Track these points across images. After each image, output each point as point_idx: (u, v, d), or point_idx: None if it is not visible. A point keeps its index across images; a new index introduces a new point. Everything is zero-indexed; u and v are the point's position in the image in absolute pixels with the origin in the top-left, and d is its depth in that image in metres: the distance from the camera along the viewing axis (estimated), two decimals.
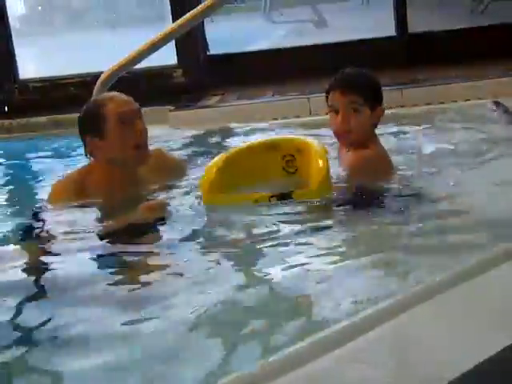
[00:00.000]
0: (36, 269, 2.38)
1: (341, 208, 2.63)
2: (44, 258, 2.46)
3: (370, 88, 2.80)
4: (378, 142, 2.85)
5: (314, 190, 2.65)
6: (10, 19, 5.19)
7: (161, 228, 2.61)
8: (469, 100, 4.07)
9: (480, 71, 4.47)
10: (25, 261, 2.43)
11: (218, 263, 2.28)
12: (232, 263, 2.30)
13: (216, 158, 2.83)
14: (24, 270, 2.36)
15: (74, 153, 3.97)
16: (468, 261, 1.97)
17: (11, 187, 3.53)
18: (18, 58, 5.19)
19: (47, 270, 2.38)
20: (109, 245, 2.51)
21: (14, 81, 5.12)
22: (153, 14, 6.42)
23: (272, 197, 2.65)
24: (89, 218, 2.73)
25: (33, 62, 6.01)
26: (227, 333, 1.83)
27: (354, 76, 2.83)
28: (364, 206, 2.62)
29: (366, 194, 2.69)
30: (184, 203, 2.78)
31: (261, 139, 3.09)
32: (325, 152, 2.71)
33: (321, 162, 2.66)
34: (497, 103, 3.81)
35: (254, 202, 2.66)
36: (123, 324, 1.92)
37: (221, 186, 2.73)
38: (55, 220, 2.74)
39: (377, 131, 2.90)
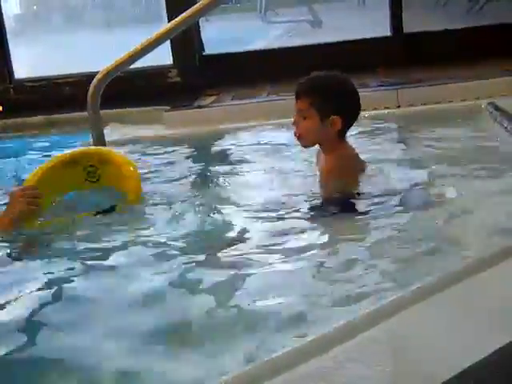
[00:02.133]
0: None
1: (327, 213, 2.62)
2: None
3: (321, 95, 2.71)
4: (340, 150, 2.77)
5: (133, 199, 2.81)
6: (5, 18, 5.18)
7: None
8: (465, 100, 4.08)
9: (476, 71, 4.48)
10: None
11: (213, 264, 2.28)
12: (226, 265, 2.29)
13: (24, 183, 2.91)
14: None
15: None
16: (465, 260, 1.97)
17: (6, 187, 3.51)
18: (13, 58, 5.18)
19: None
20: None
21: (10, 80, 5.11)
22: (148, 13, 6.42)
23: (97, 213, 2.74)
24: None
25: (28, 62, 6.00)
26: (225, 332, 1.82)
27: (309, 82, 2.77)
28: (351, 209, 2.62)
29: (349, 196, 2.68)
30: None
31: (58, 155, 3.11)
32: (128, 159, 2.90)
33: (129, 171, 2.84)
34: (493, 104, 3.80)
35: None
36: (121, 325, 1.92)
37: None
38: None
39: (374, 131, 2.89)
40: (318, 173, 2.86)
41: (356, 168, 2.81)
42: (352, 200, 2.66)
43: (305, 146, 2.84)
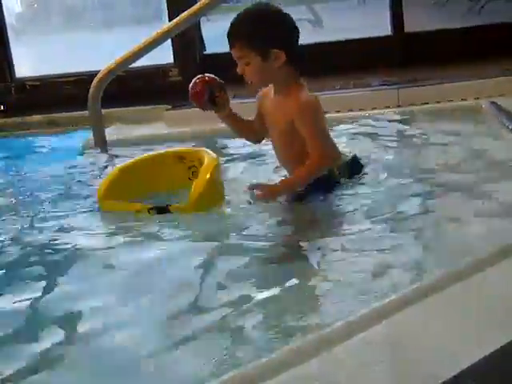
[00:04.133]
0: None
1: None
2: None
3: (251, 35, 2.59)
4: (303, 88, 2.68)
5: (188, 206, 2.69)
6: (6, 17, 5.17)
7: None
8: (465, 100, 4.07)
9: (477, 71, 4.47)
10: None
11: (212, 264, 2.29)
12: (221, 265, 2.29)
13: (118, 166, 2.95)
14: None
15: (68, 151, 3.98)
16: (465, 260, 1.97)
17: (7, 186, 3.51)
18: (14, 57, 5.18)
19: None
20: None
21: (11, 79, 5.11)
22: (149, 13, 6.42)
23: (151, 209, 2.70)
24: None
25: (29, 61, 6.00)
26: (224, 332, 1.83)
27: (235, 25, 2.63)
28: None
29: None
30: None
31: (168, 150, 3.13)
32: (213, 167, 2.76)
33: (203, 178, 2.72)
34: (494, 103, 3.80)
35: (135, 212, 2.71)
36: (118, 326, 1.92)
37: (117, 193, 2.80)
38: None
39: (374, 130, 2.89)
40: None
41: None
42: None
43: (258, 88, 2.79)
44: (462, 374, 1.44)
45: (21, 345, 1.87)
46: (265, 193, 2.63)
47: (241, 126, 2.90)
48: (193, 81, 2.79)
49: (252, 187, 2.67)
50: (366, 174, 2.87)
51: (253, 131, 2.91)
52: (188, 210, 2.68)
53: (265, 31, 2.61)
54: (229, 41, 2.65)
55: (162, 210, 2.68)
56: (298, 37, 2.68)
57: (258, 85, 2.75)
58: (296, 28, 2.67)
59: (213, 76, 2.80)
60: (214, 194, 2.75)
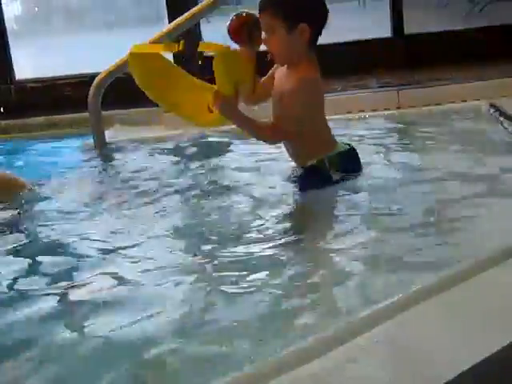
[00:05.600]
0: None
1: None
2: None
3: (282, 5, 2.64)
4: (312, 66, 2.73)
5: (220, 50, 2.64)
6: (6, 19, 5.18)
7: None
8: (465, 101, 4.08)
9: (477, 72, 4.48)
10: None
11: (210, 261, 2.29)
12: (220, 262, 2.29)
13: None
14: None
15: (69, 153, 3.98)
16: (465, 261, 1.97)
17: None
18: (14, 59, 5.18)
19: None
20: None
21: (11, 81, 5.11)
22: (150, 14, 6.43)
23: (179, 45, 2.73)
24: None
25: (29, 63, 6.00)
26: (224, 333, 1.82)
27: None
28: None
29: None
30: None
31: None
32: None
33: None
34: (494, 105, 3.81)
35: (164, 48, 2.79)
36: (119, 327, 1.93)
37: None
38: None
39: (374, 132, 2.89)
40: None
41: (320, 95, 2.75)
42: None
43: (282, 64, 2.80)
44: (463, 376, 1.44)
45: None
46: (218, 104, 2.62)
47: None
48: (231, 17, 2.80)
49: (215, 94, 2.65)
50: (362, 173, 2.86)
51: (256, 90, 2.89)
52: (217, 61, 2.63)
53: (298, 4, 2.66)
54: (260, 8, 2.69)
55: (192, 46, 2.69)
56: (326, 19, 2.72)
57: (279, 58, 2.75)
58: (327, 11, 2.72)
59: (250, 13, 2.79)
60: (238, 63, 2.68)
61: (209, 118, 2.77)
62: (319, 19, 2.71)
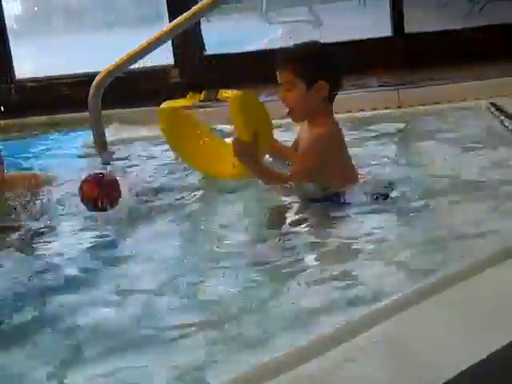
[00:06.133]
0: None
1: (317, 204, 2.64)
2: None
3: (303, 63, 2.70)
4: (330, 122, 2.77)
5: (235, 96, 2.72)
6: (6, 19, 5.18)
7: None
8: (465, 100, 4.07)
9: (477, 72, 4.47)
10: None
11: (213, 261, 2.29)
12: (223, 262, 2.29)
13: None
14: None
15: (69, 153, 3.98)
16: (464, 261, 1.97)
17: None
18: (14, 58, 5.18)
19: None
20: None
21: (11, 81, 5.11)
22: (150, 13, 6.43)
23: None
24: None
25: (29, 62, 6.00)
26: (224, 333, 1.82)
27: (289, 51, 2.79)
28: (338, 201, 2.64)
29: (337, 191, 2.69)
30: None
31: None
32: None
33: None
34: (494, 104, 3.81)
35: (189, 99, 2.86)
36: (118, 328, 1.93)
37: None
38: None
39: (374, 131, 2.89)
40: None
41: (339, 150, 2.75)
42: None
43: (297, 121, 2.84)
44: (462, 375, 1.44)
45: None
46: (237, 150, 2.64)
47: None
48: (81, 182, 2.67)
49: (235, 141, 2.67)
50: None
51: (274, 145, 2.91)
52: (233, 102, 2.69)
53: (317, 62, 2.72)
54: (279, 64, 2.74)
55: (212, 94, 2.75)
56: (341, 74, 2.80)
57: (296, 114, 2.79)
58: (338, 57, 2.80)
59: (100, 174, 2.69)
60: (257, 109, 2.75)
61: (234, 172, 2.80)
62: (337, 76, 2.77)
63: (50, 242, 2.57)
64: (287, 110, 2.76)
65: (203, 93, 2.76)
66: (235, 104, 2.70)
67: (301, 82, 2.69)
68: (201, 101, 2.78)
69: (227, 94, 2.75)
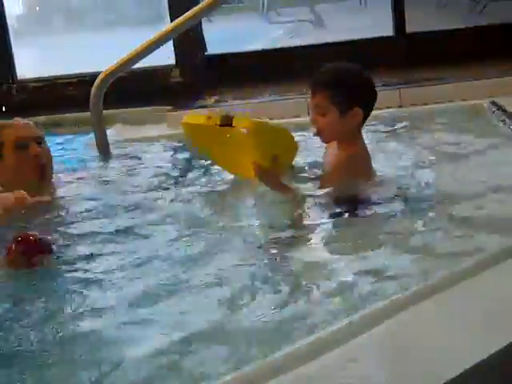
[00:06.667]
0: None
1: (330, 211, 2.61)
2: None
3: (339, 89, 2.64)
4: (359, 144, 2.75)
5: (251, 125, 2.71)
6: (7, 19, 5.18)
7: None
8: (466, 100, 4.08)
9: (478, 71, 4.48)
10: None
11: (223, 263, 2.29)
12: (225, 263, 2.29)
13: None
14: None
15: (71, 152, 3.98)
16: (466, 261, 1.97)
17: None
18: (16, 58, 5.18)
19: None
20: None
21: (12, 81, 5.12)
22: (151, 13, 6.43)
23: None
24: None
25: (31, 62, 6.00)
26: (225, 332, 1.83)
27: (326, 75, 2.71)
28: (351, 209, 2.59)
29: (350, 198, 2.66)
30: None
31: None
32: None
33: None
34: (495, 103, 3.81)
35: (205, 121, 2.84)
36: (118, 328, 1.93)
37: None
38: None
39: (374, 130, 2.88)
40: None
41: (367, 171, 2.75)
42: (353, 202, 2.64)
43: (326, 142, 2.81)
44: (463, 376, 1.44)
45: None
46: (259, 176, 2.66)
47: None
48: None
49: (255, 164, 2.67)
50: None
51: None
52: (249, 138, 2.69)
53: (352, 89, 2.65)
54: (313, 88, 2.69)
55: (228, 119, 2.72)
56: (375, 101, 2.74)
57: (325, 137, 2.76)
58: (372, 83, 2.74)
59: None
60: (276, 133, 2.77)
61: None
62: (370, 103, 2.73)
63: None
64: (315, 130, 2.71)
65: (220, 117, 2.74)
66: (251, 139, 2.70)
67: (335, 108, 2.65)
68: (216, 124, 2.76)
69: (242, 122, 2.72)
